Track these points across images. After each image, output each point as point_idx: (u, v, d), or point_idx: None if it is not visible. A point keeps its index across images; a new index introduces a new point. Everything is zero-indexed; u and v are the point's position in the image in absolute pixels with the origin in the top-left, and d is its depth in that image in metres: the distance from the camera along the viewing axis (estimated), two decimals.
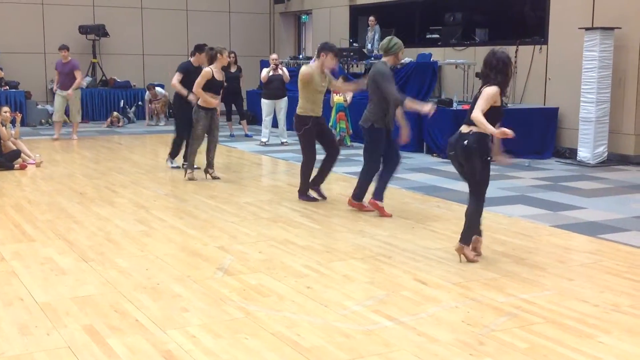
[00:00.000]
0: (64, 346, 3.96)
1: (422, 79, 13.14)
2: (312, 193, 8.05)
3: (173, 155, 10.43)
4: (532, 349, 3.96)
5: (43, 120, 16.31)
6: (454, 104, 11.93)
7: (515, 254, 5.87)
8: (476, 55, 13.06)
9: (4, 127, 10.43)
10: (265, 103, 13.25)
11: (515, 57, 12.42)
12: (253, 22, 19.96)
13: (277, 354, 3.88)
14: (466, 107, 11.46)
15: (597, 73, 10.84)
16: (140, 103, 17.68)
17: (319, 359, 3.83)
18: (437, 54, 14.16)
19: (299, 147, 8.17)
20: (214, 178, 9.34)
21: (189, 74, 10.07)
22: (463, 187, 8.93)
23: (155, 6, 18.66)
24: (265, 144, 13.18)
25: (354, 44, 16.17)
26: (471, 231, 5.66)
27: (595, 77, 10.86)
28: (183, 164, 9.97)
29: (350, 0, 17.05)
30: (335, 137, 12.93)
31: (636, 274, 5.41)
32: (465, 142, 5.49)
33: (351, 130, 13.02)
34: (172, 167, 10.32)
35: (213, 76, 9.10)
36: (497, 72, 5.44)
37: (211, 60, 9.20)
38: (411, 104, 6.97)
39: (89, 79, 17.68)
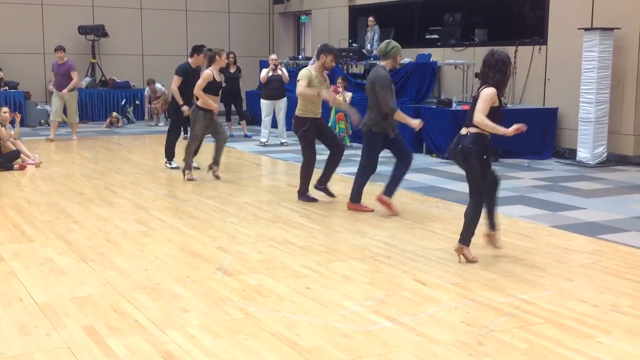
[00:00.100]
0: (63, 346, 3.96)
1: (421, 79, 13.15)
2: (313, 194, 8.04)
3: (169, 157, 10.42)
4: (532, 349, 3.97)
5: (42, 121, 16.30)
6: (453, 105, 11.93)
7: (514, 254, 5.87)
8: (475, 55, 13.06)
9: (3, 128, 10.43)
10: (264, 103, 13.25)
11: (515, 57, 12.42)
12: (252, 22, 19.96)
13: (277, 354, 3.88)
14: (466, 107, 11.51)
15: (597, 73, 10.85)
16: (137, 102, 17.67)
17: (318, 359, 3.83)
18: (437, 55, 14.16)
19: (298, 147, 8.18)
20: (216, 177, 9.31)
21: (187, 75, 10.08)
22: (462, 187, 8.94)
23: (154, 6, 18.66)
24: (264, 145, 13.18)
25: (353, 45, 16.17)
26: (470, 232, 5.66)
27: (595, 78, 10.86)
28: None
29: (350, 0, 17.05)
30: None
31: (635, 275, 5.41)
32: (463, 143, 5.53)
33: (350, 131, 13.01)
34: (172, 168, 10.32)
35: (214, 78, 9.11)
36: (496, 71, 5.45)
37: (210, 62, 9.20)
38: (401, 116, 7.14)
39: (88, 79, 17.68)
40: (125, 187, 8.96)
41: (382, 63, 7.25)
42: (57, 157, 11.62)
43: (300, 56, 18.09)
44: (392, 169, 7.42)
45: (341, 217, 7.33)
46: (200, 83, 9.06)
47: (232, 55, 14.15)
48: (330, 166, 7.98)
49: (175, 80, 10.09)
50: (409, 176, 9.69)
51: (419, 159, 11.50)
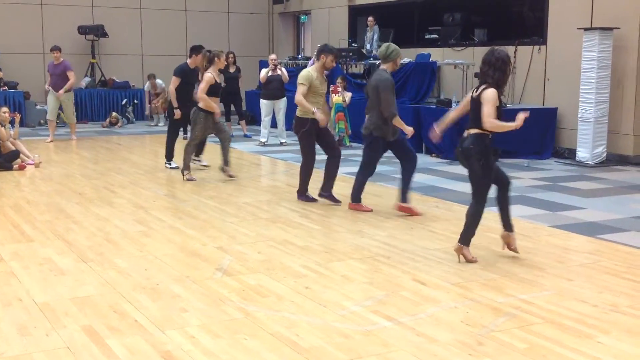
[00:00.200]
0: (63, 347, 3.96)
1: (421, 79, 13.14)
2: (312, 194, 8.03)
3: (168, 157, 10.42)
4: (531, 349, 3.97)
5: (42, 121, 16.29)
6: (453, 104, 11.91)
7: (514, 254, 5.87)
8: (475, 55, 13.06)
9: (3, 128, 10.42)
10: (264, 103, 13.25)
11: (514, 57, 12.41)
12: (252, 22, 19.95)
13: (276, 354, 3.88)
14: None
15: (596, 73, 10.85)
16: (136, 102, 17.67)
17: (317, 359, 3.83)
18: (436, 54, 14.17)
19: (298, 147, 8.17)
20: (230, 177, 9.32)
21: (185, 76, 10.09)
22: (462, 187, 8.96)
23: (154, 6, 18.65)
24: (264, 145, 13.18)
25: (353, 45, 16.17)
26: (470, 232, 5.66)
27: (594, 78, 10.86)
28: (194, 160, 10.04)
29: (349, 0, 17.05)
30: (335, 139, 13.00)
31: (635, 274, 5.41)
32: (464, 144, 5.57)
33: (350, 131, 13.02)
34: (171, 168, 10.32)
35: (215, 81, 9.14)
36: (495, 69, 5.44)
37: (209, 63, 9.20)
38: (399, 121, 7.17)
39: (88, 79, 17.68)
40: (125, 187, 8.96)
41: (383, 66, 7.26)
42: (57, 157, 11.62)
43: (299, 56, 18.09)
44: (400, 175, 7.41)
45: (341, 217, 7.33)
46: (203, 87, 9.05)
47: (231, 55, 14.16)
48: (331, 172, 7.89)
49: (173, 82, 10.10)
50: None
51: (419, 159, 11.44)
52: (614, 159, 11.16)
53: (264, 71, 13.23)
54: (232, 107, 14.50)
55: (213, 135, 9.59)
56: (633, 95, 11.04)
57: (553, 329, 4.27)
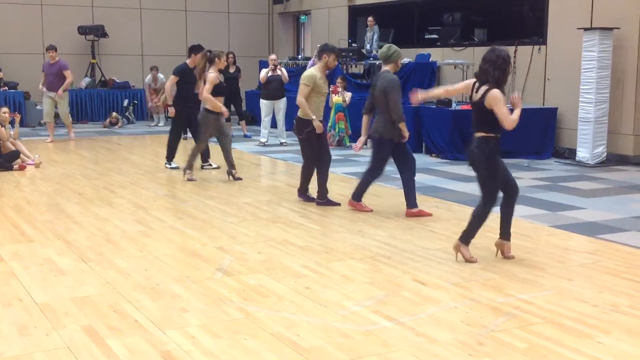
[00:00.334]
0: (63, 347, 3.96)
1: (421, 79, 13.14)
2: (314, 196, 7.99)
3: (170, 157, 10.41)
4: (531, 349, 3.97)
5: (42, 121, 16.26)
6: (453, 105, 11.94)
7: (514, 254, 5.87)
8: (475, 55, 13.06)
9: (3, 128, 10.42)
10: (264, 103, 13.25)
11: (514, 57, 12.41)
12: (252, 22, 19.95)
13: (277, 354, 3.88)
14: (465, 107, 11.52)
15: (596, 73, 10.85)
16: (135, 102, 17.67)
17: (318, 359, 3.83)
18: (436, 54, 14.17)
19: (298, 147, 8.16)
20: (238, 179, 9.33)
21: (184, 75, 10.08)
22: (462, 187, 8.96)
23: (154, 7, 18.66)
24: (264, 145, 13.18)
25: (353, 45, 16.18)
26: (472, 231, 5.66)
27: (594, 78, 10.87)
28: (202, 166, 10.04)
29: (349, 0, 17.05)
30: (335, 139, 13.00)
31: (635, 274, 5.41)
32: (470, 147, 5.62)
33: (350, 131, 13.02)
34: (172, 168, 10.32)
35: (220, 81, 9.17)
36: (495, 67, 5.43)
37: (210, 64, 9.20)
38: (402, 125, 7.20)
39: (88, 79, 17.68)
40: (125, 187, 8.96)
41: (385, 67, 7.24)
42: (57, 157, 11.62)
43: (299, 56, 18.09)
44: (402, 181, 7.38)
45: (341, 217, 7.33)
46: (207, 87, 9.05)
47: (231, 56, 14.16)
48: (323, 178, 7.82)
49: (171, 80, 10.13)
50: None
51: (419, 159, 11.45)
52: (614, 159, 11.16)
53: (263, 71, 13.23)
54: (232, 108, 14.49)
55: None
56: (633, 95, 11.05)
57: (553, 328, 4.28)
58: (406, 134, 7.27)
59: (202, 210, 7.62)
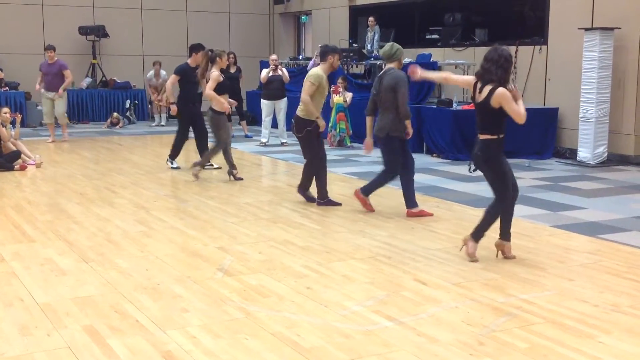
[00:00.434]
0: (64, 347, 3.96)
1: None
2: (313, 196, 7.99)
3: (173, 156, 10.42)
4: (532, 349, 3.97)
5: (43, 121, 16.29)
6: (454, 105, 11.94)
7: (515, 254, 5.86)
8: (476, 55, 13.06)
9: (4, 128, 10.43)
10: (264, 104, 13.26)
11: (515, 57, 12.42)
12: (252, 22, 19.96)
13: (277, 354, 3.88)
14: (466, 107, 11.52)
15: (597, 73, 10.85)
16: (136, 102, 17.68)
17: (318, 359, 3.83)
18: (437, 55, 14.16)
19: (299, 148, 8.16)
20: (238, 179, 9.33)
21: (185, 74, 10.09)
22: (463, 187, 8.96)
23: (154, 7, 18.67)
24: (265, 145, 13.18)
25: (354, 45, 16.18)
26: (483, 228, 5.67)
27: (595, 78, 10.86)
28: (204, 166, 10.07)
29: (350, 0, 17.05)
30: (336, 139, 13.00)
31: (636, 274, 5.41)
32: (474, 150, 5.63)
33: (351, 131, 13.03)
34: (172, 168, 10.32)
35: (223, 79, 9.19)
36: (498, 66, 5.42)
37: (211, 63, 9.20)
38: (408, 122, 7.22)
39: (89, 79, 17.69)
40: (126, 187, 8.97)
41: (390, 65, 7.20)
42: (58, 157, 11.63)
43: (300, 56, 18.10)
44: (401, 182, 7.34)
45: (341, 217, 7.33)
46: (210, 85, 9.07)
47: (232, 56, 14.14)
48: (321, 179, 7.81)
49: (172, 79, 10.13)
50: None
51: (420, 159, 11.50)
52: (615, 159, 11.16)
53: (264, 71, 13.24)
54: (233, 108, 14.48)
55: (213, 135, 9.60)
56: (634, 95, 11.04)
57: (554, 328, 4.27)
58: (410, 130, 7.27)
59: (203, 210, 7.62)
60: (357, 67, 15.52)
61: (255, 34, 19.99)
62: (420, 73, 6.18)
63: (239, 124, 14.90)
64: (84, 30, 17.47)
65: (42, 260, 5.68)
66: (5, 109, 10.79)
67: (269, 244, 6.24)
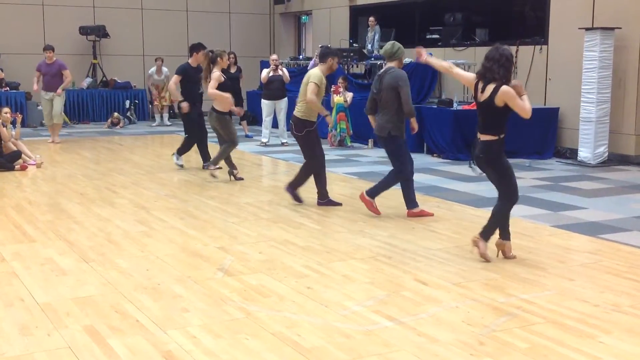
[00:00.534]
0: (64, 346, 3.97)
1: (422, 79, 13.15)
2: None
3: (181, 152, 10.41)
4: (533, 349, 3.97)
5: (43, 121, 16.30)
6: (454, 104, 11.93)
7: (515, 254, 5.86)
8: (476, 55, 13.06)
9: (4, 128, 10.43)
10: (265, 104, 13.26)
11: (516, 57, 12.41)
12: (253, 22, 19.96)
13: (277, 354, 3.88)
14: (466, 107, 11.52)
15: (598, 73, 10.84)
16: (136, 101, 17.69)
17: (319, 359, 3.83)
18: (437, 54, 14.06)
19: (299, 148, 8.15)
20: (238, 179, 9.34)
21: (187, 74, 10.09)
22: (464, 187, 8.96)
23: (155, 7, 18.67)
24: (265, 145, 13.19)
25: (354, 45, 16.17)
26: (492, 228, 5.67)
27: (596, 77, 10.86)
28: (203, 166, 10.08)
29: (350, 0, 17.05)
30: (337, 139, 13.00)
31: (636, 274, 5.41)
32: (476, 151, 5.63)
33: (351, 131, 13.03)
34: (177, 164, 10.31)
35: (224, 79, 9.20)
36: (500, 65, 5.42)
37: (212, 63, 9.21)
38: (413, 119, 7.27)
39: (89, 79, 17.69)
40: (127, 187, 8.97)
41: (390, 64, 7.15)
42: (58, 157, 11.63)
43: (301, 56, 18.09)
44: (400, 184, 7.30)
45: (342, 217, 7.32)
46: (212, 84, 9.10)
47: (232, 56, 14.15)
48: (321, 179, 7.79)
49: (174, 79, 10.12)
50: None
51: (420, 159, 11.51)
52: (615, 159, 11.15)
53: (265, 71, 13.23)
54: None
55: (213, 134, 9.61)
56: (634, 95, 11.04)
57: (554, 328, 4.27)
58: (416, 125, 7.29)
59: (203, 210, 7.62)
60: (357, 67, 15.52)
61: (256, 34, 19.99)
62: (425, 56, 6.19)
63: (240, 124, 14.89)
64: (84, 30, 17.47)
65: (42, 260, 5.69)
66: (6, 109, 10.79)
67: (270, 243, 6.24)
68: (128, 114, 17.35)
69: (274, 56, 13.53)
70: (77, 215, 7.34)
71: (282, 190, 8.79)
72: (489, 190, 5.87)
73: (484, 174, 5.80)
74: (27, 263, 5.61)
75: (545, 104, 12.31)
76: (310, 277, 5.27)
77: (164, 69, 16.78)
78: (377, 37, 15.08)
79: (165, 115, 17.08)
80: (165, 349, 3.94)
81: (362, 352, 3.92)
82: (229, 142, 9.28)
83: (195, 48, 10.22)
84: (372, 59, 14.55)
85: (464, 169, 10.07)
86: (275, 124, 13.43)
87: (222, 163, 9.58)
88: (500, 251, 5.80)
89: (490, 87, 5.45)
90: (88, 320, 4.36)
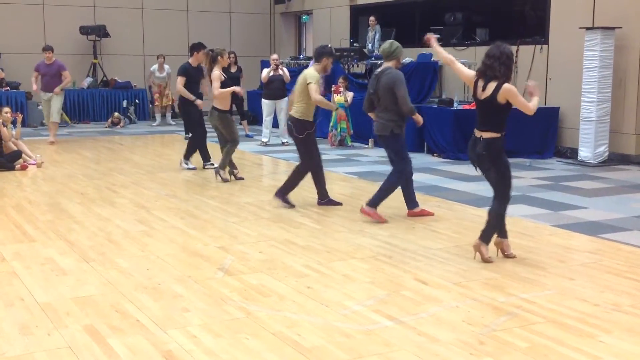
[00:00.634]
0: (64, 346, 3.97)
1: (422, 79, 13.14)
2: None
3: (188, 156, 10.36)
4: (533, 349, 3.96)
5: (44, 121, 16.30)
6: (455, 104, 11.93)
7: (516, 253, 5.86)
8: (477, 55, 13.05)
9: (4, 128, 10.44)
10: (265, 103, 13.26)
11: (516, 56, 12.41)
12: (253, 22, 19.96)
13: (278, 354, 3.88)
14: (467, 106, 11.51)
15: (598, 73, 10.84)
16: (137, 101, 17.69)
17: (319, 359, 3.83)
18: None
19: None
20: (239, 179, 9.34)
21: (189, 74, 10.09)
22: (464, 187, 8.96)
23: (155, 7, 18.67)
24: (265, 144, 13.18)
25: (355, 44, 16.17)
26: (491, 230, 5.65)
27: (596, 77, 10.86)
28: (204, 165, 10.06)
29: (351, 0, 17.05)
30: (337, 138, 13.00)
31: (637, 274, 5.41)
32: (477, 150, 5.58)
33: (352, 131, 13.03)
34: (188, 168, 10.24)
35: (225, 78, 9.22)
36: (501, 63, 5.42)
37: (212, 62, 9.21)
38: (416, 115, 7.21)
39: (90, 79, 17.69)
40: (127, 187, 8.97)
41: (388, 64, 7.08)
42: (59, 157, 11.63)
43: (301, 56, 18.08)
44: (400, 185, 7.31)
45: (342, 216, 7.32)
46: (215, 85, 9.10)
47: (233, 55, 14.15)
48: (321, 179, 7.78)
49: (179, 81, 10.09)
50: None
51: (420, 159, 11.51)
52: (616, 159, 11.15)
53: (265, 71, 13.23)
54: (234, 107, 14.48)
55: (213, 133, 9.61)
56: (635, 95, 11.03)
57: (554, 328, 4.27)
58: (420, 119, 7.28)
59: (203, 210, 7.62)
60: (357, 66, 15.51)
61: (256, 34, 19.99)
62: (434, 44, 6.19)
63: (240, 124, 14.89)
64: (84, 30, 17.47)
65: (42, 260, 5.69)
66: (6, 109, 10.80)
67: (270, 243, 6.24)
68: (128, 113, 17.33)
69: (275, 56, 13.53)
70: (78, 215, 7.34)
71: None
72: (489, 190, 5.86)
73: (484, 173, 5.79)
74: (27, 263, 5.61)
75: (545, 104, 12.29)
76: (311, 277, 5.27)
77: (166, 67, 16.78)
78: (377, 36, 15.08)
79: (169, 115, 17.09)
80: (166, 348, 3.94)
81: (362, 351, 3.92)
82: (230, 141, 9.27)
83: (196, 48, 10.22)
84: (373, 58, 14.54)
85: (464, 168, 10.07)
86: (275, 124, 13.43)
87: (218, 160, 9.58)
88: (499, 249, 5.80)
89: (492, 85, 5.45)
90: (88, 320, 4.36)
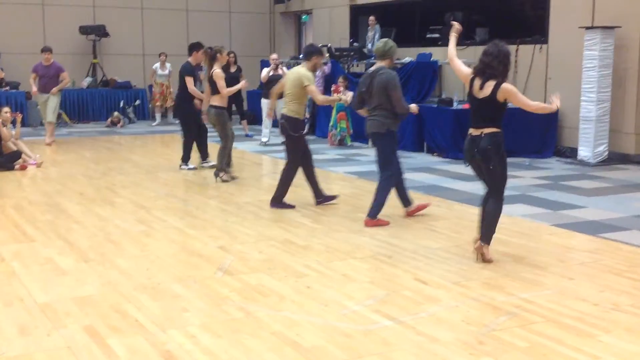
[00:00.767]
0: (64, 346, 3.97)
1: (422, 78, 13.14)
2: (290, 204, 7.88)
3: (185, 159, 10.32)
4: (532, 348, 3.96)
5: (43, 122, 16.28)
6: (455, 104, 11.93)
7: (515, 253, 5.87)
8: (477, 54, 12.96)
9: (4, 128, 10.43)
10: (265, 103, 13.25)
11: (516, 56, 12.41)
12: (253, 22, 19.96)
13: (277, 353, 3.88)
14: (466, 106, 11.50)
15: (598, 72, 10.84)
16: (138, 101, 17.68)
17: (319, 358, 3.83)
18: (438, 54, 14.14)
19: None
20: (233, 178, 9.33)
21: (194, 74, 10.12)
22: (463, 186, 8.96)
23: (155, 6, 18.66)
24: (265, 144, 13.18)
25: (354, 44, 16.17)
26: (492, 230, 5.65)
27: (596, 76, 10.85)
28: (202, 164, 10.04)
29: (351, 0, 17.05)
30: (337, 138, 13.00)
31: (636, 273, 5.41)
32: (480, 145, 5.51)
33: (352, 130, 13.02)
34: (189, 169, 10.21)
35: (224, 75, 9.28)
36: (499, 61, 5.43)
37: (212, 60, 9.21)
38: (411, 110, 7.15)
39: (89, 79, 17.69)
40: (127, 187, 8.97)
41: (382, 64, 6.98)
42: (58, 157, 11.63)
43: (301, 56, 18.05)
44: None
45: (342, 216, 7.32)
46: (221, 84, 9.13)
47: (232, 55, 14.14)
48: (313, 178, 7.77)
49: (189, 82, 10.01)
50: (409, 175, 9.69)
51: (420, 158, 11.52)
52: (615, 158, 11.15)
53: (265, 71, 13.24)
54: (234, 107, 14.48)
55: (214, 132, 9.61)
56: (635, 94, 11.03)
57: (554, 327, 4.27)
58: (414, 108, 7.23)
59: (203, 209, 7.62)
60: (357, 66, 15.51)
61: (256, 33, 19.99)
62: (453, 32, 6.19)
63: (240, 124, 14.89)
64: (84, 30, 17.47)
65: (42, 260, 5.69)
66: (6, 109, 10.80)
67: (269, 243, 6.24)
68: (127, 113, 17.31)
69: (274, 55, 13.54)
70: (77, 215, 7.34)
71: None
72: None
73: (479, 172, 5.75)
74: (27, 263, 5.61)
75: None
76: (310, 277, 5.27)
77: (168, 65, 16.78)
78: (377, 36, 15.07)
79: (170, 114, 17.07)
80: (165, 348, 3.94)
81: (362, 351, 3.92)
82: (221, 138, 9.25)
83: (195, 47, 10.22)
84: (372, 58, 14.52)
85: (464, 168, 10.03)
86: (275, 124, 13.40)
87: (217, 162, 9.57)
88: (480, 254, 5.67)
89: (491, 84, 5.45)
90: (87, 320, 4.36)
